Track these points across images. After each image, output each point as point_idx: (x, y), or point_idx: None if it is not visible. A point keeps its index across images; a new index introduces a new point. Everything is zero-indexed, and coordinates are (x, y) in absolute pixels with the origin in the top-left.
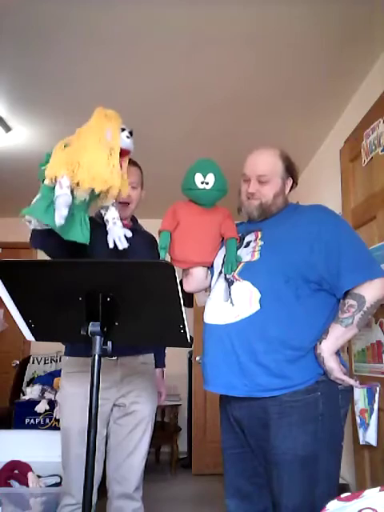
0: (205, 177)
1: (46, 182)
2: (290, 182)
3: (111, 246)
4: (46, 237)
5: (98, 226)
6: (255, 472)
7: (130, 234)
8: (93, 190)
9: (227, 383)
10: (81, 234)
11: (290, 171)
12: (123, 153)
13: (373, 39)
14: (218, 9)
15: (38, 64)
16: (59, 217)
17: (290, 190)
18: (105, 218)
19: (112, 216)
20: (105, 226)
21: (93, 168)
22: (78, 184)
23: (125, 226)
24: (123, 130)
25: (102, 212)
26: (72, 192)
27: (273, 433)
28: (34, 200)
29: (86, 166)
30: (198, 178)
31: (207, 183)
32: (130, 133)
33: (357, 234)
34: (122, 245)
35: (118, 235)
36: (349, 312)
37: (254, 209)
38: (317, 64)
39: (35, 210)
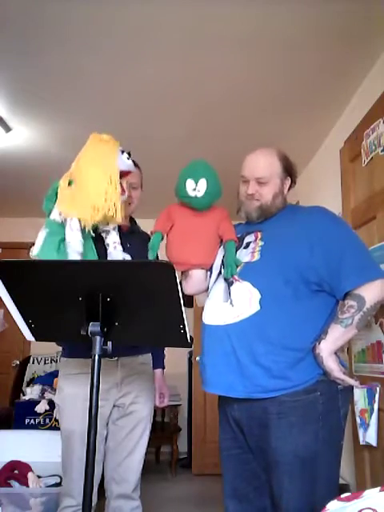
0: (196, 183)
1: (56, 218)
2: (288, 182)
3: None
4: None
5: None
6: (253, 473)
7: (128, 258)
8: None
9: (226, 384)
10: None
11: (289, 171)
12: (124, 174)
13: (373, 39)
14: (217, 9)
15: (38, 64)
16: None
17: (289, 190)
18: (105, 241)
19: (113, 240)
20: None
21: (95, 205)
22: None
23: (123, 227)
24: (122, 152)
25: (103, 235)
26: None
27: (272, 433)
28: (42, 236)
29: (88, 205)
30: (190, 184)
31: (199, 191)
32: (129, 154)
33: (357, 235)
34: None
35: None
36: (348, 312)
37: (253, 210)
38: (317, 64)
39: (47, 252)
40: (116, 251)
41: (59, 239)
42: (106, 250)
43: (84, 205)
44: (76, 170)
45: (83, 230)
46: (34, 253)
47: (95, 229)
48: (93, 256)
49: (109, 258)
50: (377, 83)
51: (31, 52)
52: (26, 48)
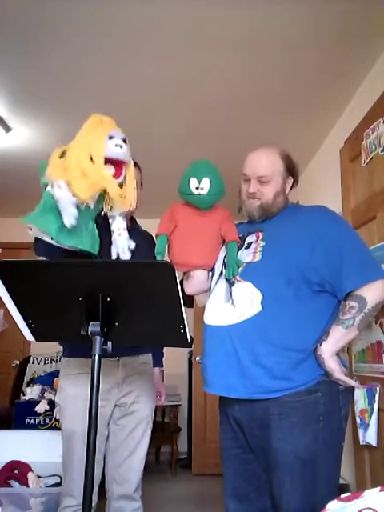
0: (199, 182)
1: (50, 189)
2: (290, 181)
3: (114, 257)
4: (49, 245)
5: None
6: (254, 473)
7: (133, 245)
8: (97, 200)
9: (228, 385)
10: (88, 243)
11: (291, 170)
12: (117, 163)
13: (373, 39)
14: (217, 9)
15: (38, 64)
16: (69, 217)
17: (291, 189)
18: (111, 228)
19: (118, 226)
20: (104, 227)
21: (80, 179)
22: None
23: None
24: (111, 137)
25: (110, 221)
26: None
27: (273, 434)
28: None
29: (76, 180)
30: (193, 183)
31: (202, 189)
32: (124, 140)
33: (358, 235)
34: (125, 257)
35: (121, 247)
36: (349, 313)
37: (254, 209)
38: (317, 64)
39: (32, 216)
40: (120, 238)
41: (48, 207)
42: (111, 236)
43: (74, 174)
44: (69, 145)
45: (78, 207)
46: (22, 219)
47: (100, 213)
48: (92, 241)
49: (113, 245)
50: (377, 83)
51: (31, 52)
52: (26, 48)
